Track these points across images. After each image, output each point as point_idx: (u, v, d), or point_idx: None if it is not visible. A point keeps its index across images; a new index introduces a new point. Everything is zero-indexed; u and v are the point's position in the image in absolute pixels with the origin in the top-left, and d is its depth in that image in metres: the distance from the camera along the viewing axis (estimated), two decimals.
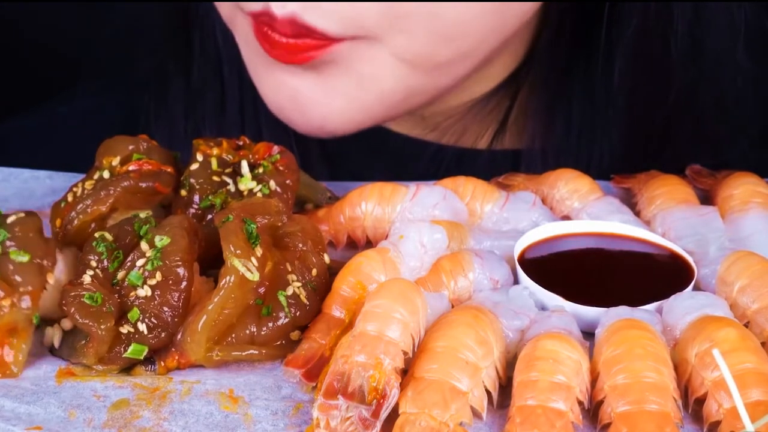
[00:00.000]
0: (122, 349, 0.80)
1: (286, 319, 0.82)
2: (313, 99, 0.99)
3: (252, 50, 1.00)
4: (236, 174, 0.90)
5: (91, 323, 0.79)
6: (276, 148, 0.91)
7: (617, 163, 1.07)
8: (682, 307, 0.82)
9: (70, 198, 0.88)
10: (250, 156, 0.91)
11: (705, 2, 1.04)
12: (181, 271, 0.81)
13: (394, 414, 0.74)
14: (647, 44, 1.05)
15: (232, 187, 0.89)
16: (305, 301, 0.83)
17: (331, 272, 0.86)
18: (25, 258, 0.80)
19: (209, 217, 0.88)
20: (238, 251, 0.80)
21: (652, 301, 0.84)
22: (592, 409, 0.77)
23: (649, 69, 1.06)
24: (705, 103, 1.08)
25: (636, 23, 1.03)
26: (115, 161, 0.89)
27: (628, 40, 1.04)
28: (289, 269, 0.83)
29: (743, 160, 1.07)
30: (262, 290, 0.82)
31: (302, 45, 0.94)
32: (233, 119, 1.13)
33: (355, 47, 0.95)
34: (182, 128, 1.13)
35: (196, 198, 0.89)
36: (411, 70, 0.97)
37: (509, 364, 0.79)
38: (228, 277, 0.80)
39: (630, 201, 0.99)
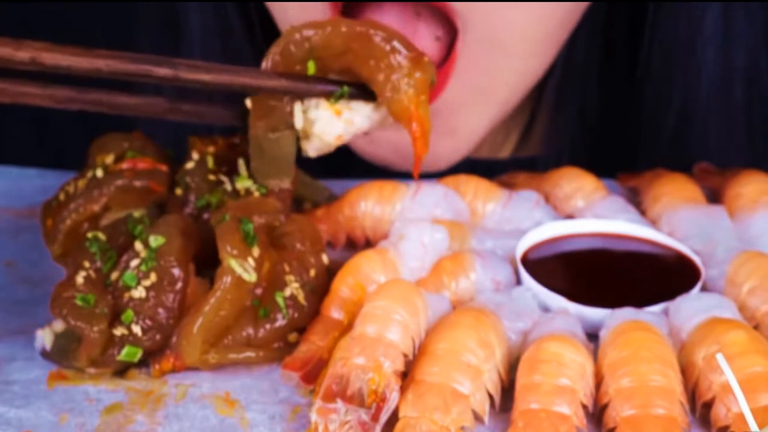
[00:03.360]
0: (116, 352, 0.79)
1: (284, 321, 0.81)
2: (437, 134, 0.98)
3: None
4: (233, 172, 0.89)
5: (83, 325, 0.78)
6: None
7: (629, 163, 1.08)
8: (689, 309, 0.81)
9: (62, 197, 0.88)
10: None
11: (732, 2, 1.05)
12: (176, 271, 0.80)
13: (394, 418, 0.73)
14: (680, 41, 1.05)
15: (228, 186, 0.89)
16: (303, 302, 0.82)
17: (329, 273, 0.85)
18: None
19: (205, 216, 0.87)
20: (234, 251, 0.79)
21: (658, 303, 0.83)
22: (597, 413, 0.76)
23: (680, 66, 1.07)
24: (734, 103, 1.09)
25: (669, 27, 1.04)
26: (109, 159, 0.89)
27: (661, 37, 1.05)
28: (287, 270, 0.83)
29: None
30: (259, 291, 0.81)
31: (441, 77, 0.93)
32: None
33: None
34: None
35: (192, 197, 0.88)
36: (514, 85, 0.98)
37: (512, 366, 0.79)
38: (224, 278, 0.79)
39: (635, 200, 0.99)
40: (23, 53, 0.74)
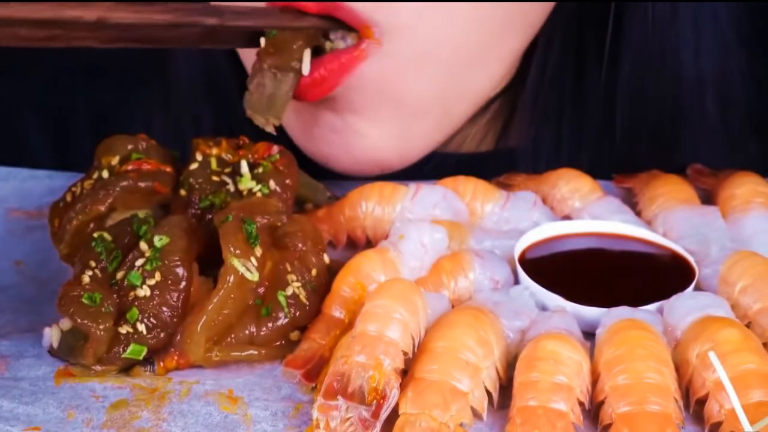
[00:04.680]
0: (121, 350, 0.79)
1: (286, 320, 0.82)
2: (351, 131, 0.95)
3: None
4: (236, 174, 0.89)
5: (89, 323, 0.78)
6: (276, 148, 0.91)
7: (619, 163, 1.07)
8: (684, 308, 0.81)
9: (69, 198, 0.88)
10: (250, 156, 0.91)
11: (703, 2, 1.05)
12: (180, 271, 0.80)
13: (394, 415, 0.74)
14: (652, 45, 1.05)
15: (231, 187, 0.89)
16: (305, 301, 0.83)
17: (330, 272, 0.86)
18: None
19: (208, 217, 0.87)
20: (237, 251, 0.80)
21: (653, 302, 0.83)
22: (593, 410, 0.76)
23: (653, 70, 1.06)
24: (708, 104, 1.08)
25: (641, 24, 1.03)
26: (114, 161, 0.89)
27: (634, 41, 1.04)
28: (289, 269, 0.83)
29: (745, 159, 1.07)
30: (261, 290, 0.82)
31: (326, 74, 0.91)
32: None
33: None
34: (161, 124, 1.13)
35: (196, 198, 0.88)
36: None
37: (510, 364, 0.79)
38: (227, 277, 0.80)
39: (631, 201, 0.99)
40: (91, 14, 0.80)
